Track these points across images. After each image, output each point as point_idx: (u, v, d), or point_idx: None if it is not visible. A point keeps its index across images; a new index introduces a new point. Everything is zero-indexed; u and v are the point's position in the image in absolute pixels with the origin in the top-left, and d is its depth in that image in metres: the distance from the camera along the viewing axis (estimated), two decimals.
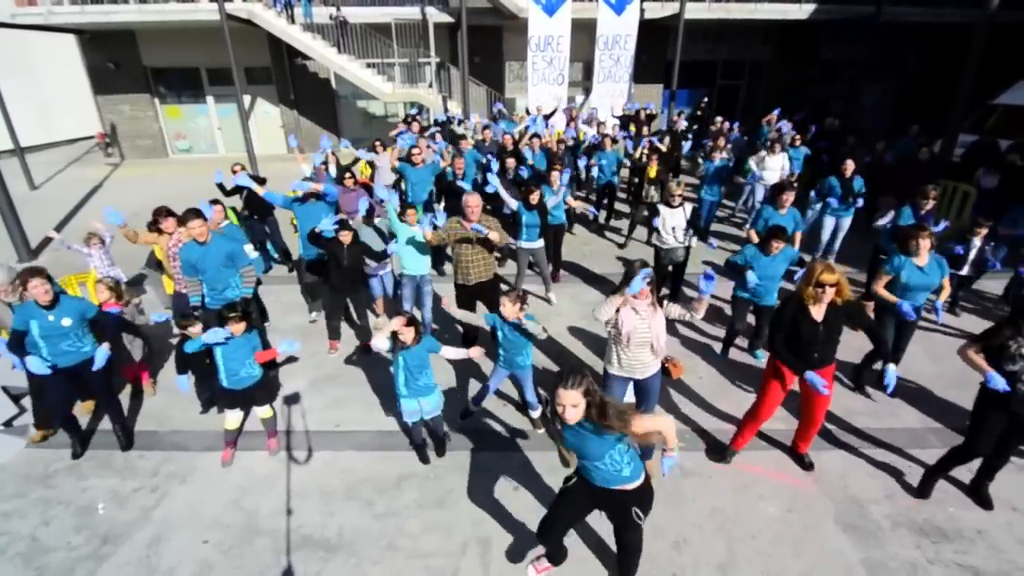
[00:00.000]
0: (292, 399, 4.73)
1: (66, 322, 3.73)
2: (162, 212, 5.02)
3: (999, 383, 3.05)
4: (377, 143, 8.68)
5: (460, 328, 5.53)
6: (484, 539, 3.32)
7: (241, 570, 3.16)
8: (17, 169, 12.39)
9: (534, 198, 5.75)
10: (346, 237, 4.94)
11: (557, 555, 3.02)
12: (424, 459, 3.95)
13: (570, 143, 9.50)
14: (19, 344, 3.70)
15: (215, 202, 5.40)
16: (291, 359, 5.25)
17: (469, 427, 4.32)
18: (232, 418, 3.95)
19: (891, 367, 3.33)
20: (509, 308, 3.71)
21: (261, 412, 4.02)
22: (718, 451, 3.97)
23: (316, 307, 6.09)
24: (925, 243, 4.20)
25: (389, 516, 3.50)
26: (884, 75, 16.04)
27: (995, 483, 3.55)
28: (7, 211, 7.99)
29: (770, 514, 3.47)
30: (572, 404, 2.33)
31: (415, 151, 7.28)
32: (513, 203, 5.79)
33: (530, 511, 3.49)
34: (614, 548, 2.90)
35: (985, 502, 3.50)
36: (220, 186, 6.81)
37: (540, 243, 5.98)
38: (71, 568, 3.18)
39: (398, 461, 3.96)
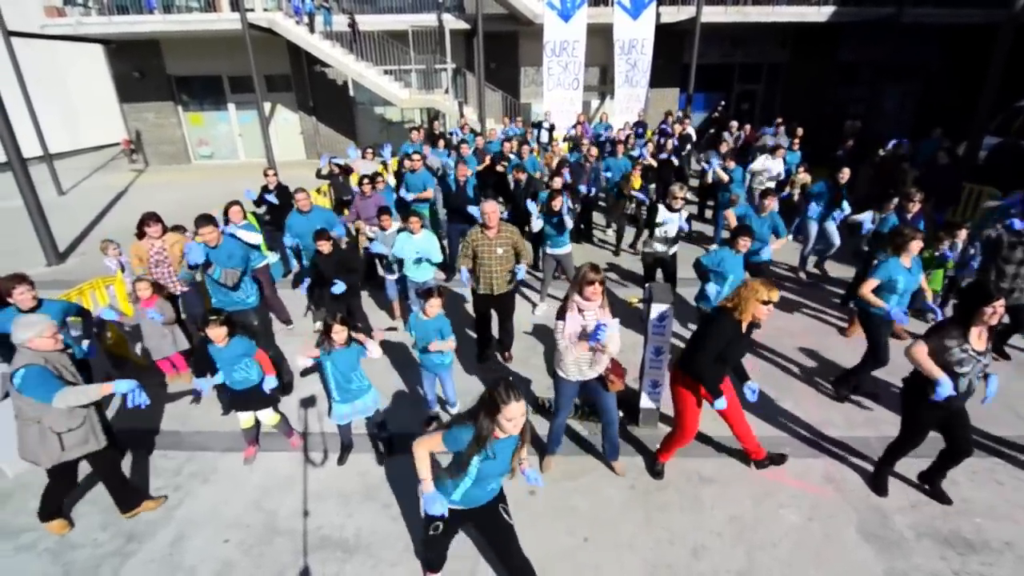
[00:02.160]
0: (309, 402, 4.79)
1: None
2: (151, 217, 5.05)
3: (947, 391, 3.06)
4: (367, 150, 8.84)
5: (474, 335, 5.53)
6: None
7: (261, 569, 3.20)
8: (46, 175, 12.77)
9: (556, 204, 5.76)
10: (324, 247, 5.04)
11: (441, 563, 2.92)
12: (341, 460, 4.01)
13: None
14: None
15: (234, 203, 5.49)
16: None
17: None
18: (245, 418, 4.02)
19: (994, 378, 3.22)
20: (435, 307, 3.85)
21: (266, 419, 4.04)
22: (654, 470, 3.84)
23: (320, 316, 6.19)
24: (918, 245, 4.19)
25: (405, 518, 3.52)
26: (906, 77, 15.79)
27: (1020, 492, 3.47)
28: (37, 216, 8.24)
29: (790, 522, 3.42)
30: (522, 414, 2.30)
31: (415, 157, 7.47)
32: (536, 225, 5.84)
33: (546, 514, 3.50)
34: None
35: (942, 498, 3.52)
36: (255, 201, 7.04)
37: (567, 248, 6.00)
38: (97, 565, 3.25)
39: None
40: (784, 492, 3.66)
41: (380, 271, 5.48)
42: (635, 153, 8.70)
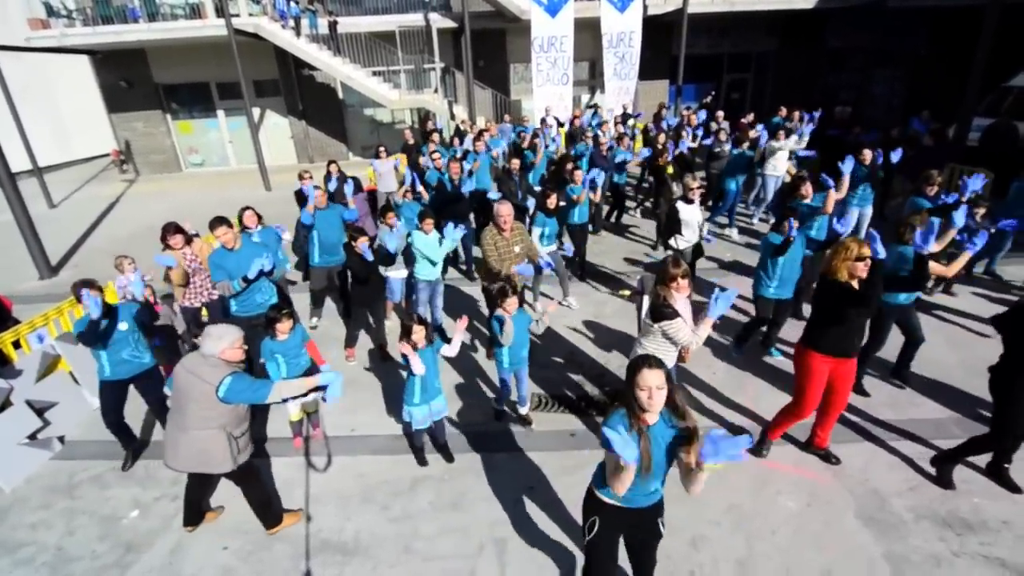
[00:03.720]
0: (307, 405, 4.78)
1: (123, 326, 3.84)
2: (170, 229, 5.03)
3: None
4: (381, 149, 8.80)
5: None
6: (500, 540, 3.32)
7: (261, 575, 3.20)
8: (36, 189, 12.71)
9: (551, 202, 5.75)
10: (363, 241, 4.98)
11: None
12: (423, 461, 3.98)
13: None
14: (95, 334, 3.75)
15: (247, 208, 5.47)
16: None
17: (481, 429, 4.33)
18: (294, 410, 4.11)
19: None
20: (511, 302, 3.84)
21: (296, 409, 4.12)
22: (761, 450, 3.87)
23: (318, 313, 6.21)
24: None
25: (405, 519, 3.52)
26: (894, 61, 15.80)
27: (1018, 472, 3.48)
28: (27, 230, 8.20)
29: (789, 509, 3.43)
30: (658, 386, 2.02)
31: (435, 155, 7.53)
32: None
33: (545, 511, 3.49)
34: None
35: (1012, 486, 3.46)
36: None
37: (555, 246, 5.98)
38: None
39: (413, 464, 3.98)
40: (782, 479, 3.66)
41: (382, 269, 5.46)
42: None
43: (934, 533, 3.20)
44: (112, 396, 3.98)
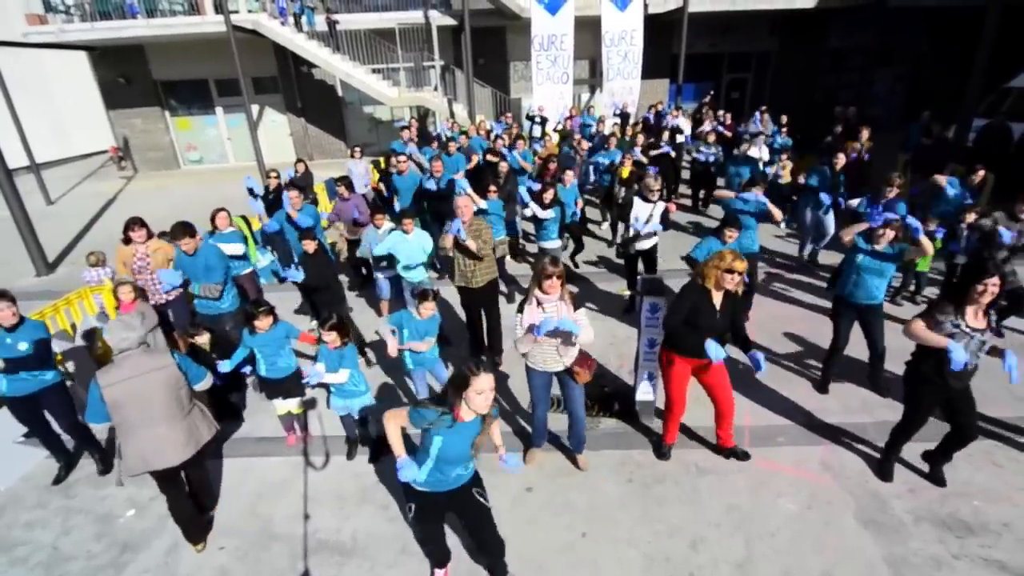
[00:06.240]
0: (306, 404, 4.74)
1: (22, 346, 3.62)
2: (136, 222, 5.02)
3: (960, 355, 2.95)
4: (356, 149, 8.76)
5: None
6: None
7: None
8: (33, 185, 12.66)
9: (548, 196, 5.74)
10: (309, 246, 4.95)
11: (444, 557, 3.04)
12: (349, 455, 4.06)
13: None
14: None
15: (221, 209, 5.46)
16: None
17: None
18: (279, 405, 4.09)
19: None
20: (429, 309, 3.87)
21: (292, 405, 4.11)
22: (658, 449, 3.93)
23: (314, 314, 6.14)
24: (887, 234, 4.09)
25: (403, 519, 3.49)
26: (895, 62, 15.79)
27: (1018, 474, 3.47)
28: (25, 226, 8.16)
29: (789, 511, 3.41)
30: (490, 388, 2.36)
31: (400, 159, 7.36)
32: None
33: (544, 510, 3.48)
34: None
35: (939, 480, 3.53)
36: (251, 191, 6.71)
37: (556, 243, 5.99)
38: None
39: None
40: (781, 481, 3.65)
41: (374, 270, 5.45)
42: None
43: (934, 535, 3.19)
44: (20, 413, 3.85)
